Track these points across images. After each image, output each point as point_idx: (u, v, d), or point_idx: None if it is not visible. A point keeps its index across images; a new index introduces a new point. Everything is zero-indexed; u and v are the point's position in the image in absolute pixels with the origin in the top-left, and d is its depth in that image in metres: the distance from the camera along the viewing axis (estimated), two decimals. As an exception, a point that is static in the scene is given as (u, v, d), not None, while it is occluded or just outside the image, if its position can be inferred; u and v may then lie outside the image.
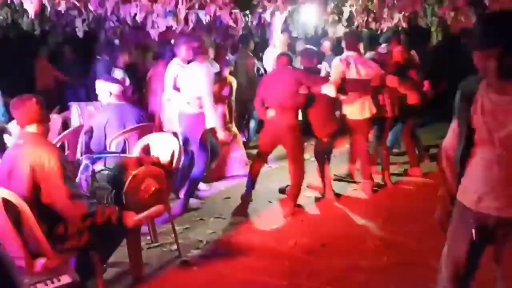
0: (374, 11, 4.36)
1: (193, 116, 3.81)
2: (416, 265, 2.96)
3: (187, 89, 3.86)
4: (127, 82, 4.94)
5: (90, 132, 3.73)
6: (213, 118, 3.79)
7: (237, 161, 4.75)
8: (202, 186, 4.34)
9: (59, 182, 2.20)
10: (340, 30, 5.05)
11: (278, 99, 3.74)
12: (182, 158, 3.67)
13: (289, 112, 3.74)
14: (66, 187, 2.21)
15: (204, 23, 4.04)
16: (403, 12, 4.09)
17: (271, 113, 3.80)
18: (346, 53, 4.09)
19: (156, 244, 3.27)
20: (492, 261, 1.77)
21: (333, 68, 4.06)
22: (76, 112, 4.58)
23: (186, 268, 2.99)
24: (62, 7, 3.27)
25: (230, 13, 3.82)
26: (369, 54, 4.54)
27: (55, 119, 4.35)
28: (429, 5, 4.21)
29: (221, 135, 3.98)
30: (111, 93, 3.63)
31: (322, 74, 4.39)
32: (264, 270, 2.97)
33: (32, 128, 2.32)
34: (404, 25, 4.43)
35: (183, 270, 2.98)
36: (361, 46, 4.25)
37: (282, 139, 3.84)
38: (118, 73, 4.86)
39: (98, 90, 3.71)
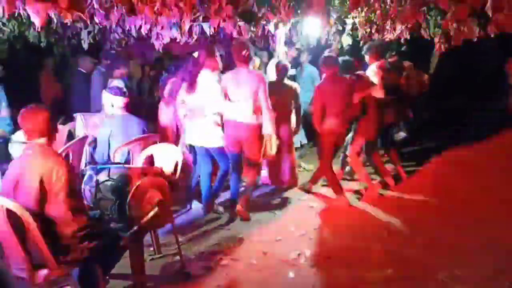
0: (377, 23, 4.39)
1: (252, 125, 3.82)
2: (421, 278, 2.92)
3: (241, 98, 3.78)
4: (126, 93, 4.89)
5: (95, 142, 3.75)
6: (270, 126, 3.82)
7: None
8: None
9: (63, 195, 2.20)
10: (344, 41, 5.08)
11: (337, 107, 4.11)
12: None
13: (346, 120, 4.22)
14: (69, 201, 2.21)
15: (208, 35, 4.05)
16: (405, 24, 4.10)
17: (330, 121, 4.13)
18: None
19: (159, 256, 3.25)
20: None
21: (375, 74, 4.44)
22: (81, 123, 4.61)
23: (189, 280, 2.97)
24: (68, 20, 3.31)
25: (234, 25, 3.84)
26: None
27: (61, 130, 4.37)
28: (432, 17, 4.22)
29: (275, 141, 3.89)
30: (113, 105, 3.65)
31: None
32: (268, 282, 2.94)
33: (42, 140, 2.32)
34: (407, 36, 4.45)
35: (186, 282, 2.96)
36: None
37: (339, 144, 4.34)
38: (117, 83, 4.80)
39: (103, 101, 3.75)
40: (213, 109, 3.79)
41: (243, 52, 3.78)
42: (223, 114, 3.87)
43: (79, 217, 2.24)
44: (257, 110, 3.80)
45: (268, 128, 3.80)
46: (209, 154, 3.94)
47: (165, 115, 4.66)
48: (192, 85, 3.79)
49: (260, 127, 3.83)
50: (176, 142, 4.40)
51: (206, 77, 3.78)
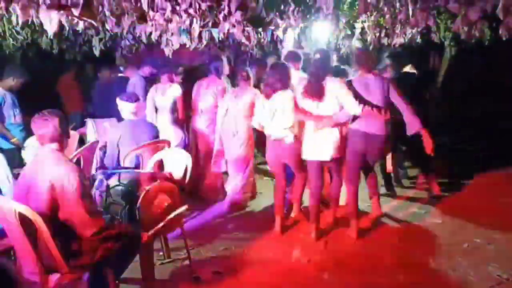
0: (387, 27, 4.37)
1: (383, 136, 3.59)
2: (431, 284, 2.89)
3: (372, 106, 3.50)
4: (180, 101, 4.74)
5: (105, 147, 3.78)
6: None
7: None
8: None
9: (78, 199, 2.22)
10: (354, 45, 5.07)
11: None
12: None
13: None
14: (85, 204, 2.23)
15: (217, 40, 4.07)
16: (415, 28, 4.08)
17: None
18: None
19: (169, 260, 3.26)
20: None
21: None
22: (92, 128, 4.66)
23: (199, 284, 2.97)
24: (80, 27, 3.36)
25: (243, 31, 3.86)
26: None
27: (72, 135, 4.43)
28: (442, 20, 4.19)
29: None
30: (124, 110, 3.69)
31: None
32: (277, 287, 2.93)
33: (53, 146, 2.35)
34: (417, 40, 4.43)
35: (196, 286, 2.96)
36: None
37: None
38: (175, 89, 4.69)
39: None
40: (344, 118, 3.49)
41: (369, 59, 3.65)
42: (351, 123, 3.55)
43: (97, 218, 2.27)
44: (387, 121, 3.54)
45: (417, 124, 3.46)
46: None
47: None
48: (319, 91, 3.47)
49: (388, 137, 3.62)
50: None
51: (334, 84, 3.50)
